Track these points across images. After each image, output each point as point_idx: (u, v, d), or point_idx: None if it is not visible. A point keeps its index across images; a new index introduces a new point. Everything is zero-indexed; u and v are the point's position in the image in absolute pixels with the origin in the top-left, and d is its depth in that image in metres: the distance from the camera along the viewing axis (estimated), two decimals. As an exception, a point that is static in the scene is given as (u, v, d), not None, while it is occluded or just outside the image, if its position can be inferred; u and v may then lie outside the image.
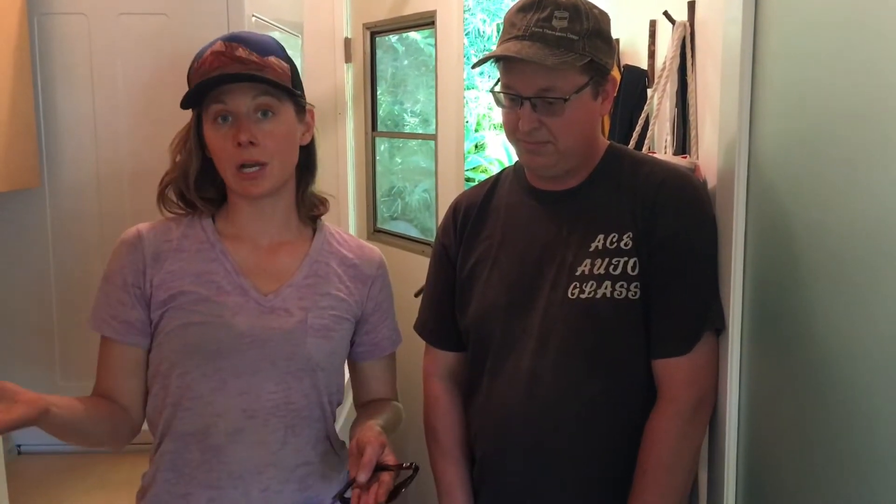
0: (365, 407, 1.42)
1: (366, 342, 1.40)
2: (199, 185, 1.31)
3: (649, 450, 1.27)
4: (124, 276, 1.28)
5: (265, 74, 1.24)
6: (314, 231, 1.39)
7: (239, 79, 1.23)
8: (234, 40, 1.26)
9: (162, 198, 1.32)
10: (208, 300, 1.26)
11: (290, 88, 1.27)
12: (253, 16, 1.94)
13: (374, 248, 1.44)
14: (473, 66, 1.37)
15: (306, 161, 1.36)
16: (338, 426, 1.40)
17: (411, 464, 1.17)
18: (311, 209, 1.38)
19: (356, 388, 1.45)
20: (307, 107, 1.34)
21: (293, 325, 1.28)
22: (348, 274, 1.37)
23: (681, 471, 1.28)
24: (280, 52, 1.30)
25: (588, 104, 1.29)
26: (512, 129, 1.31)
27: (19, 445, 2.02)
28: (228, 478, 1.25)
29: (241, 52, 1.24)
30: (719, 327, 1.25)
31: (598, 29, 1.28)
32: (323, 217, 1.42)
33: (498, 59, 1.29)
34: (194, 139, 1.28)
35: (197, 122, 1.28)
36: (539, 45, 1.24)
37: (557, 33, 1.24)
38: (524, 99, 1.26)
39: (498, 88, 1.32)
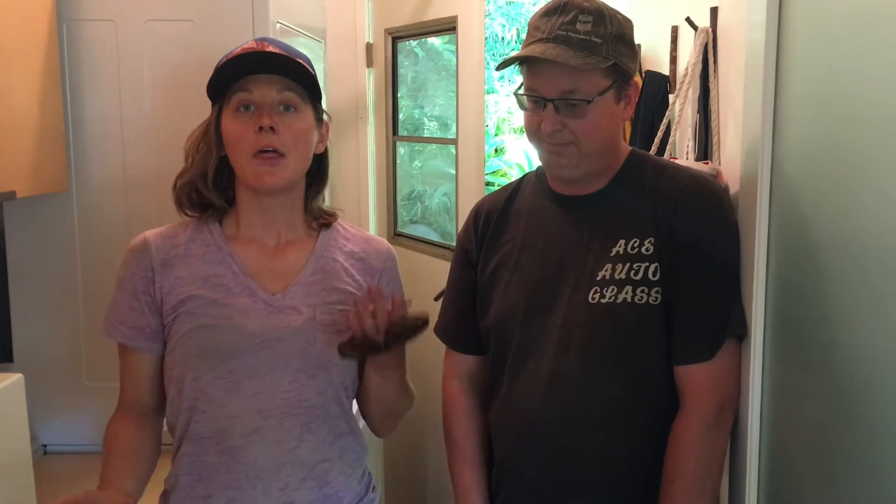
0: None
1: None
2: (215, 184, 1.32)
3: (676, 459, 1.27)
4: (134, 284, 1.31)
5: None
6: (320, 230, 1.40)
7: (273, 64, 1.25)
8: (264, 40, 1.29)
9: (179, 200, 1.33)
10: (217, 303, 1.27)
11: (316, 87, 1.29)
12: (278, 22, 1.96)
13: (382, 240, 1.45)
14: (497, 69, 1.37)
15: (317, 170, 1.37)
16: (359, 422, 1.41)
17: (420, 316, 1.21)
18: (318, 218, 1.39)
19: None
20: (325, 119, 1.36)
21: (302, 323, 1.29)
22: (356, 267, 1.38)
23: (709, 478, 1.28)
24: (307, 59, 1.32)
25: (611, 107, 1.30)
26: (534, 132, 1.31)
27: (45, 445, 2.05)
28: (247, 478, 1.26)
29: (273, 48, 1.27)
30: (741, 334, 1.25)
31: (621, 33, 1.28)
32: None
33: (522, 61, 1.30)
34: (214, 134, 1.30)
35: (216, 118, 1.30)
36: (563, 48, 1.24)
37: (581, 36, 1.25)
38: (547, 101, 1.27)
39: (521, 91, 1.32)
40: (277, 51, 1.27)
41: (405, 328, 1.24)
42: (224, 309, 1.27)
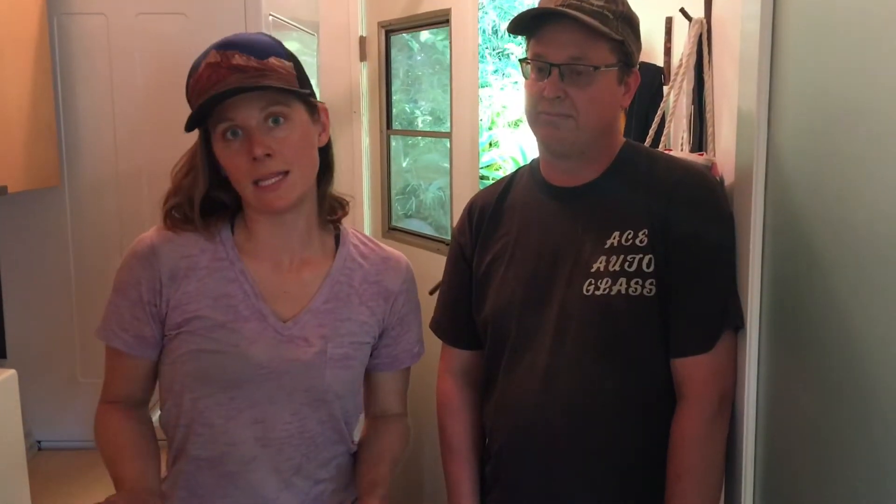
0: (372, 433, 1.37)
1: (384, 354, 1.36)
2: (207, 199, 1.24)
3: (680, 454, 1.27)
4: (140, 292, 1.23)
5: (269, 81, 1.16)
6: (337, 243, 1.33)
7: (241, 91, 1.14)
8: (227, 47, 1.17)
9: (167, 220, 1.25)
10: (224, 327, 1.21)
11: (297, 91, 1.19)
12: (270, 15, 1.96)
13: (401, 259, 1.38)
14: (509, 29, 1.36)
15: (324, 163, 1.28)
16: (356, 437, 1.40)
17: None
18: (331, 212, 1.32)
19: (366, 395, 1.41)
20: (319, 105, 1.26)
21: (312, 357, 1.23)
22: (370, 291, 1.31)
23: (714, 470, 1.28)
24: (279, 49, 1.21)
25: (613, 86, 1.30)
26: (535, 101, 1.30)
27: (39, 441, 2.04)
28: (243, 503, 1.24)
29: (238, 58, 1.16)
30: (738, 325, 1.25)
31: (629, 17, 1.31)
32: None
33: (531, 30, 1.31)
34: (203, 159, 1.21)
35: (205, 140, 1.21)
36: (577, 12, 1.25)
37: (595, 8, 1.26)
38: (553, 66, 1.27)
39: (528, 66, 1.32)
40: (245, 62, 1.15)
41: None
42: (231, 335, 1.21)
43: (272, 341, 1.22)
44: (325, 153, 1.29)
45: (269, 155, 1.16)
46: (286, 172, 1.18)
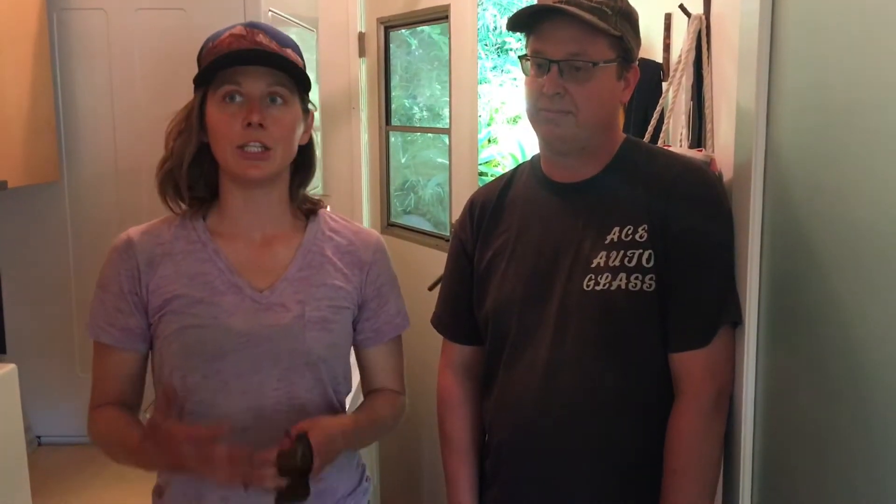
0: (364, 401, 1.41)
1: (367, 328, 1.38)
2: (190, 175, 1.28)
3: (676, 449, 1.27)
4: (120, 284, 1.28)
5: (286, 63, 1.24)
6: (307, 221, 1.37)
7: (266, 60, 1.22)
8: (254, 26, 1.26)
9: (163, 191, 1.30)
10: (203, 302, 1.25)
11: (306, 79, 1.26)
12: (269, 10, 1.96)
13: (371, 232, 1.42)
14: (508, 27, 1.36)
15: (302, 160, 1.34)
16: None
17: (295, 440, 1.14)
18: (302, 205, 1.37)
19: (361, 375, 1.44)
20: (310, 108, 1.33)
21: (290, 321, 1.27)
22: (344, 261, 1.35)
23: (709, 466, 1.29)
24: (296, 48, 1.30)
25: (612, 81, 1.31)
26: (535, 97, 1.31)
27: (39, 437, 2.04)
28: None
29: (262, 38, 1.24)
30: (736, 320, 1.26)
31: (628, 12, 1.31)
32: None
33: (529, 27, 1.31)
34: (197, 118, 1.26)
35: (199, 104, 1.26)
36: (576, 8, 1.26)
37: (593, 4, 1.27)
38: (552, 63, 1.27)
39: (527, 63, 1.33)
40: (268, 42, 1.24)
41: (294, 463, 1.13)
42: (210, 308, 1.25)
43: (250, 310, 1.26)
44: (305, 153, 1.34)
45: (261, 125, 1.22)
46: (269, 149, 1.24)
